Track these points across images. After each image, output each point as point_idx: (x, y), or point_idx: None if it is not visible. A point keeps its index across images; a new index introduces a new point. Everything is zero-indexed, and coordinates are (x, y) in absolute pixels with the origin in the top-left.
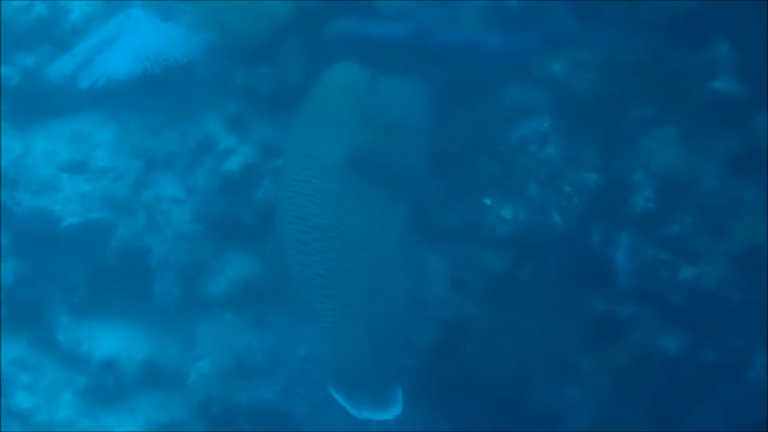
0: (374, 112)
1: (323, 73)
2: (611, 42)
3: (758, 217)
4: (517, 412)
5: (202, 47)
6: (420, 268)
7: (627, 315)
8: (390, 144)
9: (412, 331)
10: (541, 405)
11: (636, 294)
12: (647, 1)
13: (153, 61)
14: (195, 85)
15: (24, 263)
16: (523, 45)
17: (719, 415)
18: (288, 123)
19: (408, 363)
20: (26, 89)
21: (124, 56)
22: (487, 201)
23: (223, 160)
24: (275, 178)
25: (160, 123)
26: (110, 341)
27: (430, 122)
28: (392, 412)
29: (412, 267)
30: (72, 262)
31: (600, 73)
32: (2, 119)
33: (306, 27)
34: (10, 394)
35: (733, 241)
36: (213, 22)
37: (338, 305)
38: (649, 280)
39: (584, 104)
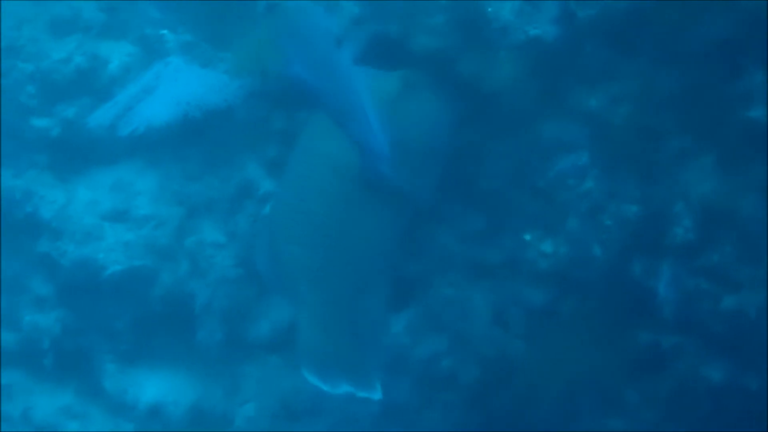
0: (397, 125)
1: None
2: (646, 74)
3: None
4: None
5: (241, 92)
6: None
7: (670, 345)
8: (404, 159)
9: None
10: None
11: (679, 324)
12: (681, 32)
13: (193, 108)
14: (234, 130)
15: (70, 313)
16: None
17: None
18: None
19: (453, 399)
20: (67, 140)
21: (163, 104)
22: (528, 236)
23: (263, 204)
24: None
25: (201, 169)
26: (156, 387)
27: (447, 144)
28: (375, 393)
29: (391, 279)
30: (117, 309)
31: (636, 105)
32: (44, 170)
33: None
34: None
35: None
36: (252, 68)
37: (324, 296)
38: (692, 310)
39: (621, 137)
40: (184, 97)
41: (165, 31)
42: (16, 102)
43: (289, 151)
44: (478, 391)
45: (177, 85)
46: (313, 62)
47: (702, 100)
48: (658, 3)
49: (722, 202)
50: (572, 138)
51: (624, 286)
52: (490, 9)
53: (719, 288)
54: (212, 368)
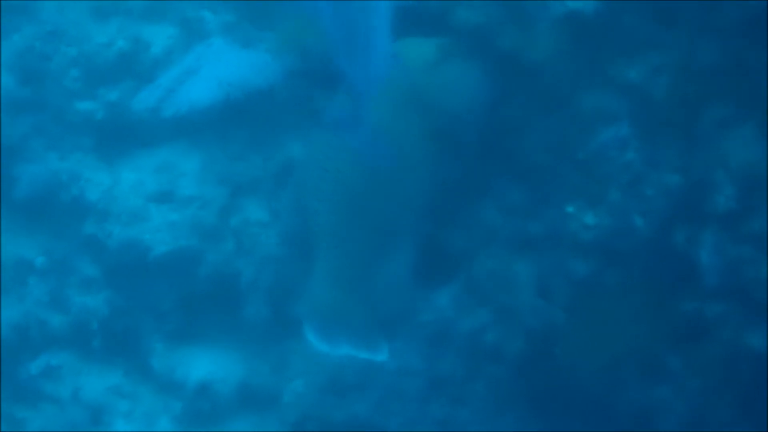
0: (432, 92)
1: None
2: (686, 45)
3: None
4: (608, 414)
5: (282, 72)
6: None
7: (714, 313)
8: (439, 125)
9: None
10: (632, 406)
11: (722, 292)
12: (721, 1)
13: (235, 89)
14: (277, 110)
15: (117, 293)
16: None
17: None
18: None
19: (498, 371)
20: (111, 123)
21: (206, 85)
22: (570, 208)
23: None
24: None
25: (244, 149)
26: (204, 366)
27: (483, 114)
28: (378, 354)
29: (419, 244)
30: (163, 289)
31: (676, 75)
32: (89, 153)
33: None
34: (109, 423)
35: None
36: (293, 47)
37: (342, 255)
38: (734, 278)
39: (662, 107)
40: (226, 78)
41: (206, 12)
42: (60, 86)
43: None
44: (523, 362)
45: (219, 66)
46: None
47: (742, 69)
48: None
49: (763, 170)
50: (613, 109)
51: (666, 256)
52: None
53: (761, 255)
54: (259, 345)
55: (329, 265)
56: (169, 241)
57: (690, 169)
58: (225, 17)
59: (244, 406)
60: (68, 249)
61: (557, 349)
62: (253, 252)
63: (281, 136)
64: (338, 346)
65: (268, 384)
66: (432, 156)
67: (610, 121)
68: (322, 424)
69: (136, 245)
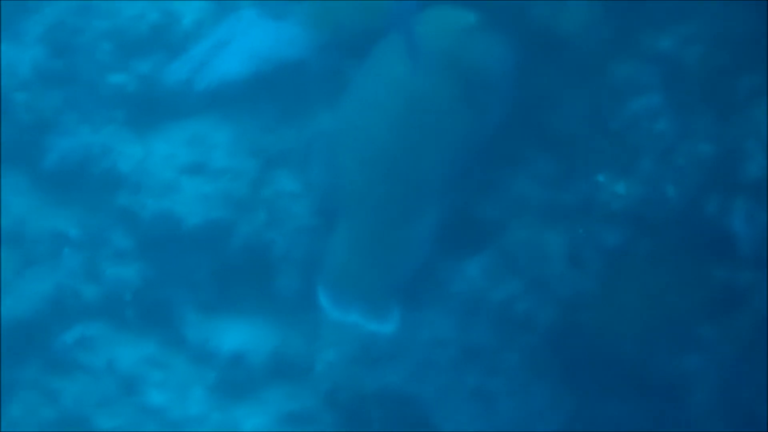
0: (467, 57)
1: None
2: (718, 14)
3: None
4: (641, 383)
5: (314, 44)
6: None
7: (746, 281)
8: (471, 91)
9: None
10: (664, 375)
11: (754, 260)
12: None
13: (266, 61)
14: (308, 82)
15: (150, 265)
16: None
17: None
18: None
19: (530, 340)
20: (143, 95)
21: (237, 57)
22: (601, 178)
23: None
24: None
25: (275, 121)
26: (237, 336)
27: (514, 84)
28: (386, 325)
29: (442, 212)
30: (196, 261)
31: (708, 45)
32: (122, 125)
33: None
34: (143, 392)
35: None
36: (325, 19)
37: (365, 216)
38: (766, 246)
39: (694, 77)
40: (258, 51)
41: None
42: (92, 59)
43: None
44: (555, 332)
45: (250, 38)
46: None
47: None
48: None
49: None
50: (645, 79)
51: (699, 225)
52: None
53: None
54: (291, 315)
55: (351, 228)
56: (202, 213)
57: (722, 138)
58: None
59: (277, 375)
60: (102, 221)
61: (589, 318)
62: (285, 223)
63: (312, 108)
64: (348, 313)
65: (301, 354)
66: (463, 122)
67: (642, 91)
68: (354, 394)
69: (168, 217)
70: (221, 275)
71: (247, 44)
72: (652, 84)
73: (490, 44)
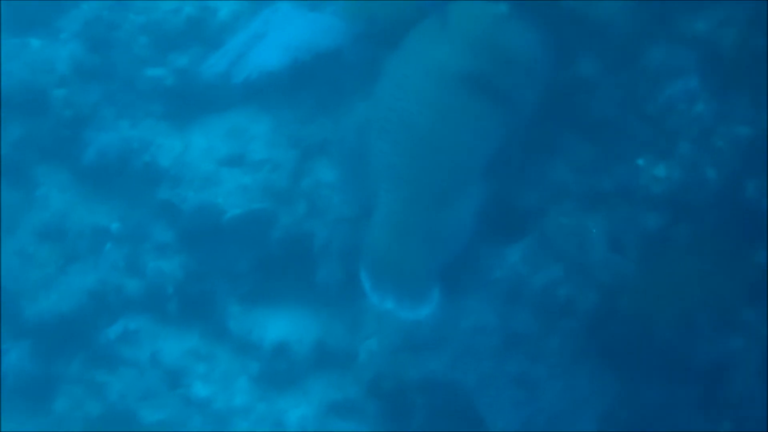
0: (501, 42)
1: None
2: None
3: None
4: (684, 366)
5: (349, 35)
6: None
7: None
8: (505, 75)
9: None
10: (706, 358)
11: None
12: None
13: (302, 52)
14: (344, 73)
15: (192, 258)
16: None
17: None
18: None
19: (572, 326)
20: (181, 89)
21: (274, 49)
22: (640, 162)
23: None
24: None
25: (313, 112)
26: (279, 327)
27: (546, 68)
28: (420, 312)
29: (477, 201)
30: (237, 252)
31: (743, 27)
32: (160, 119)
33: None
34: (188, 385)
35: None
36: (359, 10)
37: (403, 199)
38: None
39: (730, 60)
40: (294, 42)
41: None
42: (129, 53)
43: None
44: (597, 316)
45: (286, 30)
46: None
47: None
48: None
49: None
50: (681, 63)
51: (738, 208)
52: None
53: None
54: (333, 306)
55: (392, 209)
56: (242, 205)
57: (759, 120)
58: None
59: (320, 365)
60: (142, 215)
61: (630, 303)
62: (325, 214)
63: (349, 98)
64: (385, 299)
65: (343, 344)
66: (498, 105)
67: (679, 75)
68: (397, 383)
69: (209, 209)
70: (262, 267)
71: (283, 36)
72: (688, 67)
73: (522, 30)
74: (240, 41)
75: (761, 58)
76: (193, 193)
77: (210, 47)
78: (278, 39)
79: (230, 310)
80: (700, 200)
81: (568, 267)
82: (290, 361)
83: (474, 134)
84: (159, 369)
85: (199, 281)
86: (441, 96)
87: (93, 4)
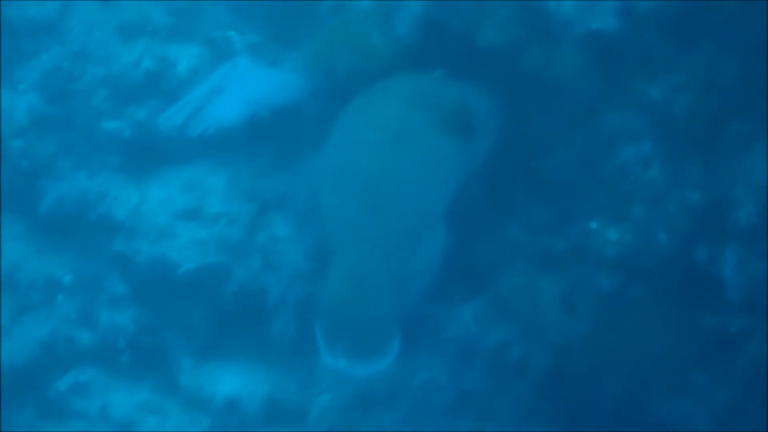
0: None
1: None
2: (707, 63)
3: None
4: (635, 428)
5: (308, 90)
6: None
7: (737, 328)
8: (449, 135)
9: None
10: (657, 420)
11: (745, 307)
12: (740, 21)
13: (261, 107)
14: (303, 128)
15: (145, 310)
16: None
17: None
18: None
19: (524, 386)
20: (139, 141)
21: (232, 103)
22: (594, 225)
23: None
24: None
25: (271, 166)
26: (232, 381)
27: (492, 122)
28: (374, 367)
29: (439, 246)
30: (191, 306)
31: (698, 93)
32: (117, 171)
33: (410, 63)
34: None
35: None
36: (318, 66)
37: (358, 252)
38: (757, 293)
39: (684, 125)
40: (253, 97)
41: (232, 33)
42: (88, 105)
43: None
44: (548, 377)
45: (245, 84)
46: None
47: (762, 86)
48: None
49: None
50: (635, 127)
51: (690, 272)
52: (551, 3)
53: None
54: (287, 361)
55: (345, 263)
56: (197, 258)
57: (712, 185)
58: (251, 37)
59: (272, 421)
60: (96, 267)
61: (582, 364)
62: (281, 268)
63: (307, 153)
64: (339, 357)
65: (295, 399)
66: (445, 155)
67: (633, 139)
68: None
69: (163, 262)
70: (216, 321)
71: (242, 90)
72: (643, 132)
73: (463, 89)
74: (198, 95)
75: (713, 123)
76: (147, 246)
77: (168, 100)
78: (237, 93)
79: (182, 363)
80: (652, 264)
81: (521, 327)
82: (241, 416)
83: (426, 181)
84: (109, 422)
85: (151, 334)
86: (389, 147)
87: (52, 55)
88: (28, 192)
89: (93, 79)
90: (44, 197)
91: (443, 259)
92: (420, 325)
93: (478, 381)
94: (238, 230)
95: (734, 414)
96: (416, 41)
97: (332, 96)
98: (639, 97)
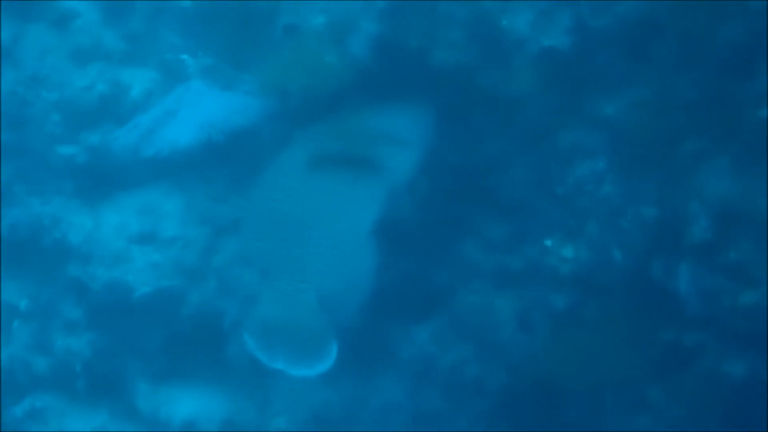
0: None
1: None
2: (661, 80)
3: None
4: None
5: (263, 113)
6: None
7: (692, 342)
8: (377, 153)
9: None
10: None
11: (700, 321)
12: (694, 38)
13: (216, 130)
14: (258, 150)
15: (101, 335)
16: None
17: None
18: None
19: (481, 405)
20: (92, 166)
21: (187, 126)
22: (549, 242)
23: None
24: None
25: (226, 189)
26: (189, 404)
27: (423, 143)
28: (315, 369)
29: (370, 259)
30: (147, 330)
31: (651, 110)
32: (72, 196)
33: (365, 83)
34: None
35: None
36: (272, 89)
37: (290, 278)
38: (712, 307)
39: (638, 142)
40: (207, 120)
41: (185, 56)
42: (41, 131)
43: None
44: (506, 396)
45: (199, 107)
46: None
47: (716, 103)
48: (670, 11)
49: (738, 201)
50: (590, 144)
51: (645, 287)
52: (504, 22)
53: (738, 285)
54: (243, 383)
55: (282, 290)
56: (153, 282)
57: (666, 201)
58: (204, 60)
59: None
60: (52, 292)
61: (539, 381)
62: (236, 291)
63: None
64: (276, 359)
65: (252, 421)
66: (366, 178)
67: (588, 156)
68: None
69: (119, 287)
70: (172, 344)
71: (196, 113)
72: (598, 149)
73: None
74: (151, 117)
75: (667, 140)
76: (103, 271)
77: (122, 125)
78: (191, 116)
79: (139, 387)
80: (607, 280)
81: (477, 346)
82: None
83: (340, 212)
84: None
85: (108, 359)
86: (309, 188)
87: (6, 79)
88: None
89: (47, 104)
90: None
91: (373, 276)
92: (376, 346)
93: (435, 401)
94: (194, 254)
95: (689, 428)
96: (371, 61)
97: (287, 119)
98: (593, 115)
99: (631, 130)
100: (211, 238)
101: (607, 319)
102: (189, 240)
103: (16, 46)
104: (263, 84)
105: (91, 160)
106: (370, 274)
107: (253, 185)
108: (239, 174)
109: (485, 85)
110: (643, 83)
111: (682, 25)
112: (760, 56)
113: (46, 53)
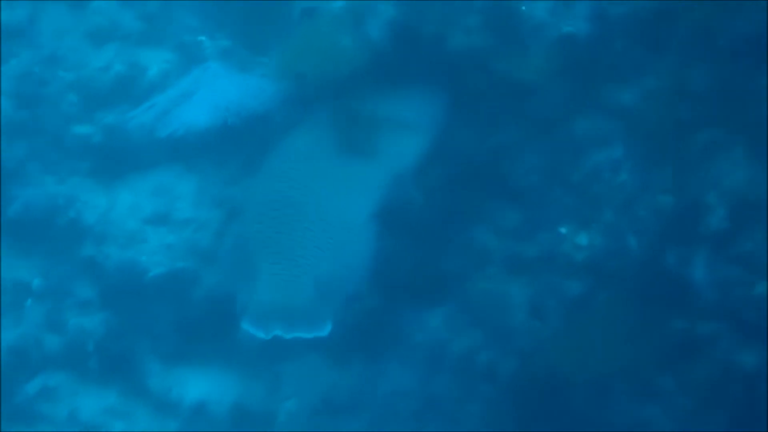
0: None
1: None
2: (677, 70)
3: None
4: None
5: (278, 96)
6: (373, 247)
7: (705, 332)
8: (383, 138)
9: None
10: (623, 424)
11: (713, 311)
12: (710, 29)
13: (231, 113)
14: (272, 134)
15: (113, 315)
16: None
17: None
18: None
19: (491, 391)
20: (108, 146)
21: (202, 108)
22: (563, 230)
23: None
24: None
25: (239, 172)
26: (199, 386)
27: (433, 128)
28: (313, 332)
29: (368, 243)
30: (159, 311)
31: (668, 100)
32: (87, 176)
33: (381, 68)
34: None
35: None
36: (288, 72)
37: (285, 262)
38: (726, 297)
39: (654, 130)
40: (223, 102)
41: (203, 38)
42: (58, 110)
43: None
44: (516, 382)
45: (215, 89)
46: None
47: (731, 94)
48: (687, 2)
49: (753, 191)
50: (606, 132)
51: (659, 275)
52: (524, 8)
53: (752, 275)
54: (254, 366)
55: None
56: (166, 263)
57: (682, 190)
58: (222, 42)
59: (239, 425)
60: (65, 271)
61: (549, 368)
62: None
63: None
64: (272, 329)
65: (262, 404)
66: (365, 165)
67: (604, 144)
68: None
69: (132, 267)
70: (184, 325)
71: (212, 95)
72: (614, 137)
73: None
74: (167, 97)
75: (683, 129)
76: (117, 251)
77: (138, 105)
78: (207, 98)
79: (150, 368)
80: (621, 268)
81: (489, 332)
82: (209, 420)
83: (347, 192)
84: (77, 426)
85: (120, 339)
86: (302, 177)
87: (23, 59)
88: None
89: (63, 84)
90: (13, 202)
91: (372, 261)
92: (388, 332)
93: (446, 386)
94: (207, 236)
95: (699, 419)
96: (387, 45)
97: (302, 103)
98: (610, 102)
99: (647, 119)
100: (224, 220)
101: (620, 307)
102: (202, 222)
103: (32, 26)
104: (279, 67)
105: (107, 140)
106: (367, 257)
107: (259, 169)
108: (252, 158)
109: (501, 71)
110: (659, 72)
111: (698, 16)
112: None
113: (64, 33)
